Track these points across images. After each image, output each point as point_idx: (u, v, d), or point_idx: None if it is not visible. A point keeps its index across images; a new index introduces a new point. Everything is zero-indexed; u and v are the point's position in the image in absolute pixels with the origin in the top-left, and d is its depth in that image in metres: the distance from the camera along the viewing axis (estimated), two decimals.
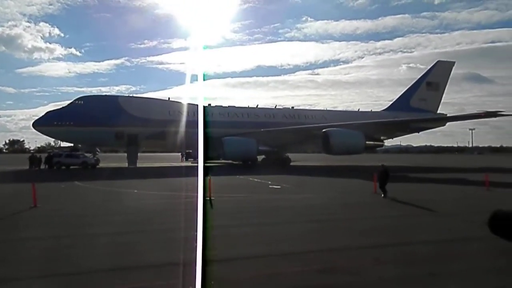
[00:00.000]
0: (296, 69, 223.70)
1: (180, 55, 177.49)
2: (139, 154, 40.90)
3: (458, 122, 52.78)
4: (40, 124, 36.65)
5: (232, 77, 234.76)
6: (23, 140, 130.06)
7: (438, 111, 53.18)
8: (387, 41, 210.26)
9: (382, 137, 42.25)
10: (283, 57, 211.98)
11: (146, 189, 18.21)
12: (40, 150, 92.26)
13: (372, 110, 54.09)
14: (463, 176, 26.88)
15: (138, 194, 16.61)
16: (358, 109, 53.30)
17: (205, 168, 32.32)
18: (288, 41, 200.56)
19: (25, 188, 15.69)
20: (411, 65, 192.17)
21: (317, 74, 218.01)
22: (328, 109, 54.20)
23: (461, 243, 8.33)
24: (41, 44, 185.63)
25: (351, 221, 10.64)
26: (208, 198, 13.90)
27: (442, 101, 53.81)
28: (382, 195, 14.97)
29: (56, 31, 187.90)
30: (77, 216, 11.30)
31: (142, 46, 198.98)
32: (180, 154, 57.34)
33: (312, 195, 16.58)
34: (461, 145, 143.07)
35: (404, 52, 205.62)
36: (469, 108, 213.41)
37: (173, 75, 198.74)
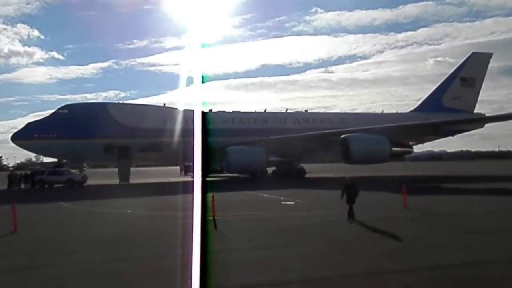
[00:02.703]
0: (306, 67, 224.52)
1: (175, 55, 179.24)
2: (131, 168, 41.11)
3: (499, 123, 52.45)
4: (20, 138, 37.09)
5: (234, 78, 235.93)
6: (1, 156, 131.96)
7: (475, 111, 52.85)
8: (410, 33, 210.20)
9: (410, 143, 42.02)
10: (291, 54, 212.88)
11: (141, 209, 18.29)
12: (20, 167, 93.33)
13: (398, 112, 53.99)
14: (506, 186, 26.56)
15: (131, 215, 16.69)
16: (382, 111, 53.27)
17: (207, 183, 32.34)
18: (296, 35, 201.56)
19: (4, 211, 15.84)
20: (439, 59, 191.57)
21: (331, 72, 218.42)
22: (346, 111, 54.24)
23: (504, 265, 8.21)
24: (19, 47, 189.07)
25: (376, 241, 10.56)
26: (211, 218, 13.89)
27: (479, 99, 53.56)
28: (348, 217, 13.39)
29: (35, 32, 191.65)
30: (61, 242, 11.36)
31: (131, 46, 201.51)
32: (178, 168, 57.47)
33: (330, 211, 16.49)
34: (503, 149, 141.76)
35: (430, 44, 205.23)
36: (510, 106, 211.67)
37: (167, 78, 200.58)
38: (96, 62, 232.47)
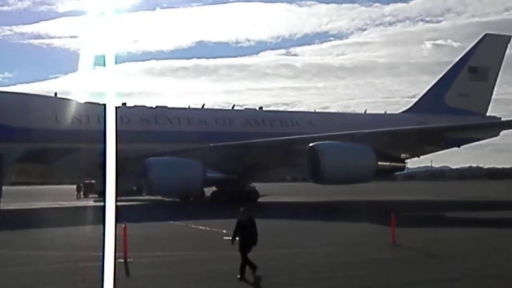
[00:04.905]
0: (260, 47, 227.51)
1: (70, 23, 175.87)
2: (4, 187, 39.76)
3: None
4: None
5: (158, 59, 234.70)
6: None
7: (488, 113, 55.13)
8: (400, 5, 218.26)
9: (402, 155, 43.14)
10: (239, 29, 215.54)
11: (16, 248, 17.74)
12: None
13: (387, 112, 55.43)
14: None
15: (3, 257, 16.15)
16: (365, 111, 54.46)
17: (116, 209, 31.71)
18: (245, 2, 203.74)
19: None
20: (438, 41, 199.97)
21: (294, 55, 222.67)
22: (316, 110, 54.93)
23: None
24: None
25: None
26: (121, 260, 13.68)
27: (493, 97, 55.95)
28: (239, 276, 11.77)
29: None
30: None
31: (6, 8, 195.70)
32: (75, 187, 56.25)
33: (292, 250, 16.67)
34: None
35: (427, 22, 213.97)
36: None
37: (60, 56, 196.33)
38: None
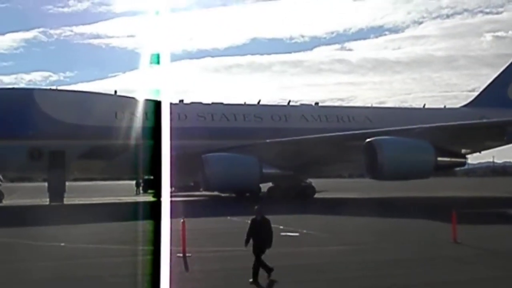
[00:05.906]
0: (315, 42, 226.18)
1: (128, 23, 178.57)
2: (67, 183, 40.86)
3: None
4: None
5: (213, 57, 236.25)
6: None
7: None
8: None
9: (463, 151, 42.21)
10: (293, 25, 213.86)
11: (78, 242, 18.14)
12: None
13: (446, 107, 54.28)
14: None
15: (66, 250, 16.56)
16: (424, 105, 53.48)
17: (175, 204, 32.15)
18: None
19: None
20: (498, 33, 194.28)
21: (349, 50, 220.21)
22: (372, 105, 54.24)
23: None
24: None
25: None
26: (180, 255, 13.84)
27: None
28: (251, 279, 11.18)
29: None
30: None
31: (66, 10, 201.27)
32: (134, 183, 57.28)
33: (350, 247, 16.51)
34: None
35: (487, 13, 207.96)
36: None
37: (118, 55, 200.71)
38: (17, 31, 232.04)
